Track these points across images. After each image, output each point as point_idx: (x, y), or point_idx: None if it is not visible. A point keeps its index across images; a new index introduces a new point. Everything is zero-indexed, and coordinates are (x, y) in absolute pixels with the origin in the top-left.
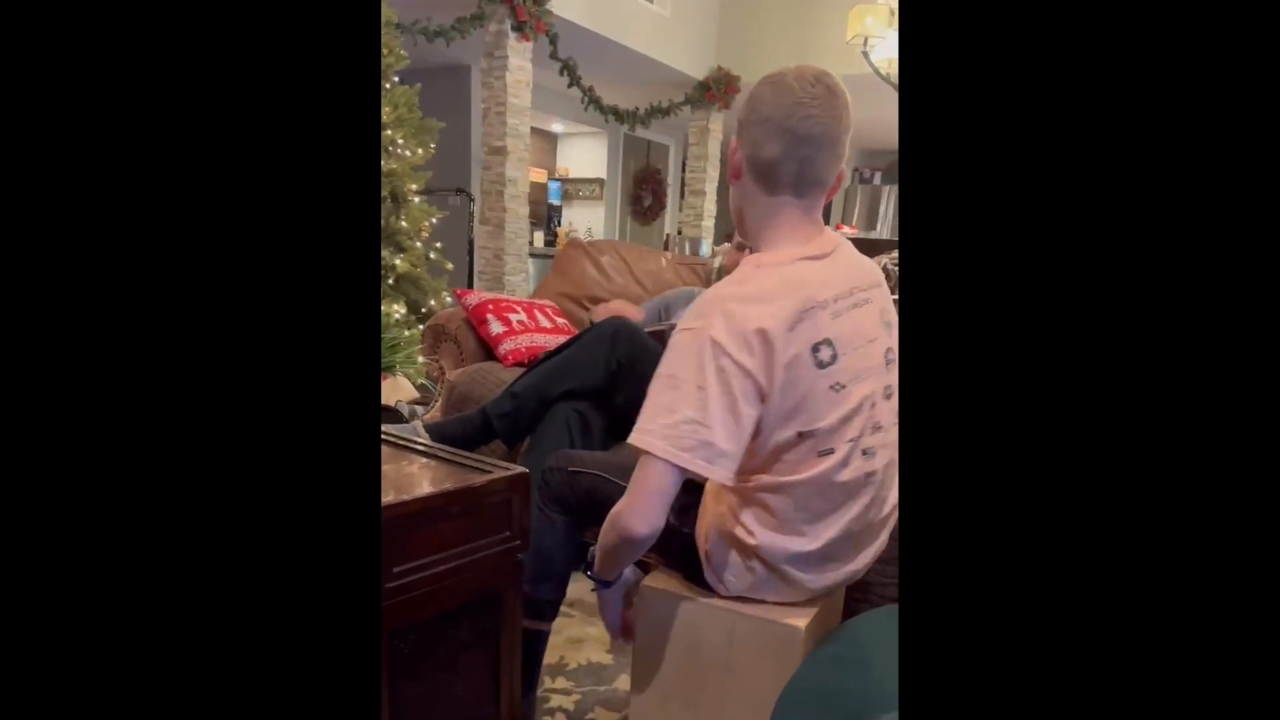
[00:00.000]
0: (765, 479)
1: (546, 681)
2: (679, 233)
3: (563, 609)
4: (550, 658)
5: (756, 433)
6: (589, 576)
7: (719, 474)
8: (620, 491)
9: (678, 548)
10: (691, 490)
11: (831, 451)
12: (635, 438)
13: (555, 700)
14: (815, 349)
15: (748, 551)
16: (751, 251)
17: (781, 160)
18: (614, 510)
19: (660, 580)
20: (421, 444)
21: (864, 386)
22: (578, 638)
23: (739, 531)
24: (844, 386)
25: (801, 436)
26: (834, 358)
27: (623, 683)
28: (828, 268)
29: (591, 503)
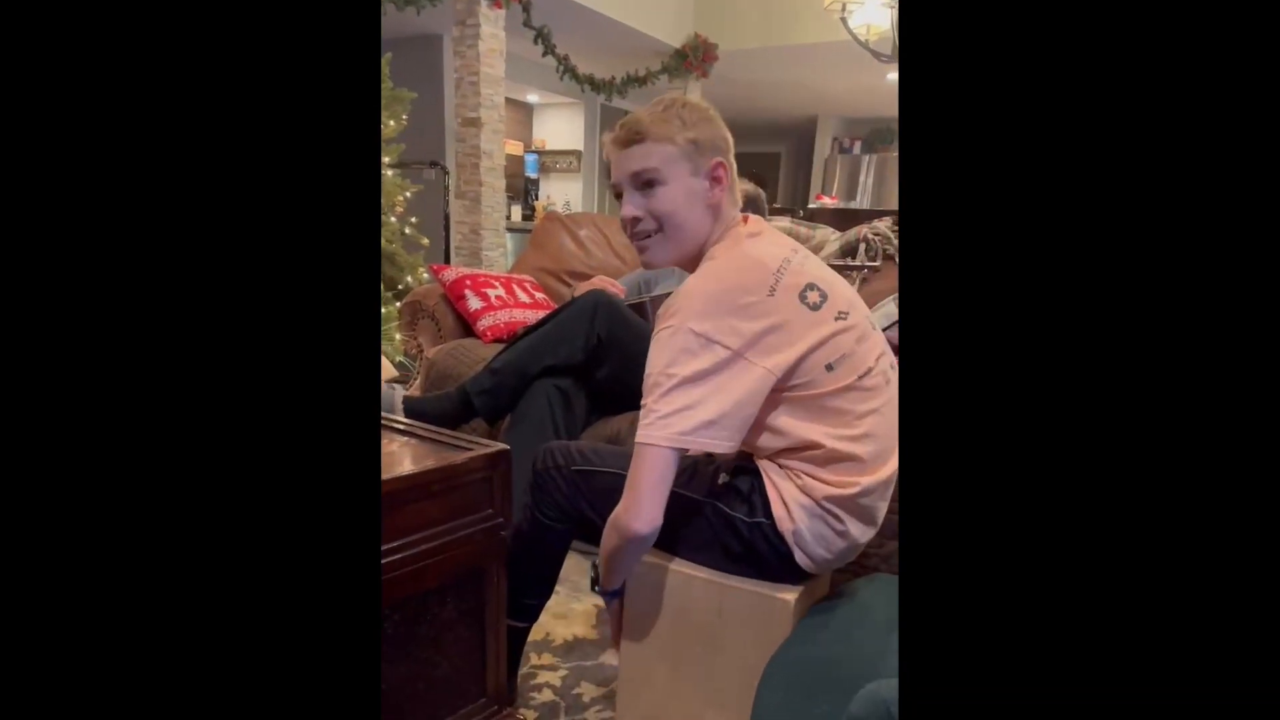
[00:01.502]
0: (805, 405)
1: (532, 658)
2: None
3: None
4: (536, 634)
5: (787, 384)
6: (597, 592)
7: (723, 444)
8: None
9: (758, 545)
10: (746, 493)
11: (856, 366)
12: (641, 437)
13: (542, 677)
14: (803, 294)
15: (823, 501)
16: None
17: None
18: (613, 514)
19: (651, 554)
20: (401, 422)
21: (859, 312)
22: (562, 613)
23: (810, 481)
24: (846, 314)
25: (830, 369)
26: (824, 296)
27: (609, 658)
28: (768, 240)
29: (609, 506)
